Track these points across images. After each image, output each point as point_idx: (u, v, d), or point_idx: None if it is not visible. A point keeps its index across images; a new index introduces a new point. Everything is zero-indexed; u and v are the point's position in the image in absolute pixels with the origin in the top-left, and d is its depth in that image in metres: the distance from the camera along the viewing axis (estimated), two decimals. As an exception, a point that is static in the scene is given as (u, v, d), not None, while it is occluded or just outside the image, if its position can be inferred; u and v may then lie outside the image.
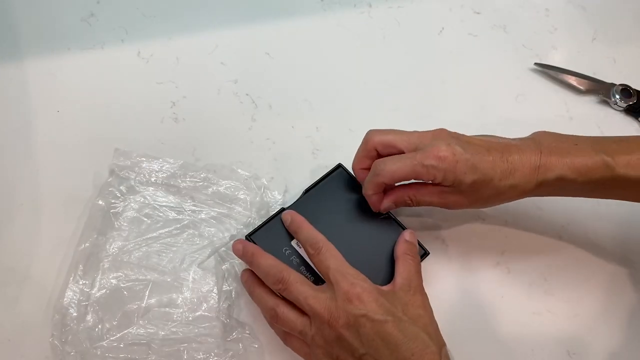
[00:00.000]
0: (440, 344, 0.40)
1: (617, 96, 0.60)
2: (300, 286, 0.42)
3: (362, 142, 0.46)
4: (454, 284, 0.51)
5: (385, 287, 0.43)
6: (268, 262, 0.43)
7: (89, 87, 0.58)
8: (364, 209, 0.48)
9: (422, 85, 0.61)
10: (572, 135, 0.45)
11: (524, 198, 0.45)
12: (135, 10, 0.62)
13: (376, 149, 0.45)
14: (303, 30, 0.63)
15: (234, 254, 0.46)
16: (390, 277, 0.45)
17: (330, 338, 0.40)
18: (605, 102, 0.61)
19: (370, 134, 0.46)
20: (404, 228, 0.48)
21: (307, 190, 0.49)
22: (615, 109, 0.60)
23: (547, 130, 0.46)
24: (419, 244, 0.47)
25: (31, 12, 0.61)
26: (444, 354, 0.39)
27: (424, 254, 0.47)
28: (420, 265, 0.45)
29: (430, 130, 0.45)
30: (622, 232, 0.54)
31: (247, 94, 0.59)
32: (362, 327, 0.39)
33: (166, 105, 0.57)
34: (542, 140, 0.44)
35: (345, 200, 0.48)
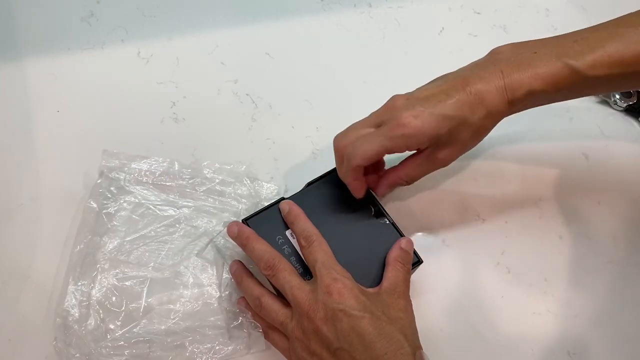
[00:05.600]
0: (416, 347, 0.40)
1: (617, 96, 0.60)
2: (288, 275, 0.42)
3: (335, 152, 0.46)
4: (454, 284, 0.51)
5: (370, 289, 0.44)
6: (262, 247, 0.44)
7: (89, 87, 0.58)
8: (363, 210, 0.48)
9: (422, 85, 0.61)
10: (531, 42, 0.44)
11: (504, 118, 0.44)
12: (135, 10, 0.62)
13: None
14: (303, 30, 0.63)
15: (231, 243, 0.47)
16: (379, 281, 0.45)
17: (308, 330, 0.41)
18: (605, 102, 0.61)
19: (335, 140, 0.45)
20: (402, 235, 0.48)
21: (309, 184, 0.49)
22: (616, 109, 0.60)
23: None
24: (415, 253, 0.47)
25: (31, 12, 0.61)
26: (419, 356, 0.39)
27: (417, 262, 0.47)
28: (410, 274, 0.45)
29: (384, 105, 0.44)
30: (623, 232, 0.54)
31: (247, 94, 0.59)
32: (339, 321, 0.39)
33: (166, 105, 0.57)
34: (499, 57, 0.43)
35: (347, 199, 0.48)
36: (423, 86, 0.44)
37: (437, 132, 0.41)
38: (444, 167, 0.46)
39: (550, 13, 0.66)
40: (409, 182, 0.47)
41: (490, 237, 0.53)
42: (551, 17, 0.66)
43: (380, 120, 0.43)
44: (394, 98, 0.44)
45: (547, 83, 0.41)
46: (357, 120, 0.45)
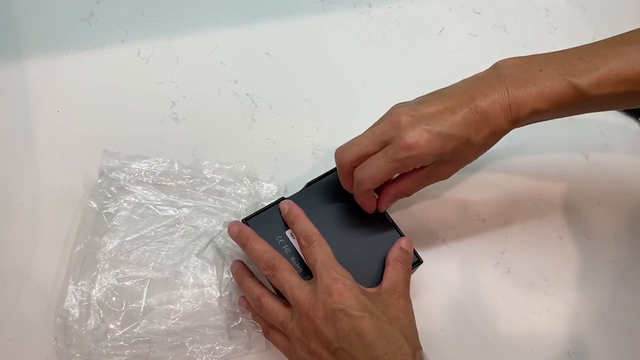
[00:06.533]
0: (416, 347, 0.40)
1: (617, 96, 0.60)
2: (288, 274, 0.42)
3: (337, 165, 0.46)
4: (454, 284, 0.51)
5: (370, 289, 0.44)
6: (262, 247, 0.44)
7: (89, 87, 0.58)
8: (363, 210, 0.48)
9: (422, 85, 0.60)
10: (536, 57, 0.44)
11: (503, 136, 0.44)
12: (135, 10, 0.62)
13: (352, 165, 0.45)
14: (303, 30, 0.63)
15: (231, 243, 0.47)
16: (379, 281, 0.45)
17: (307, 330, 0.41)
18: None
19: (338, 155, 0.45)
20: (402, 235, 0.48)
21: (309, 184, 0.49)
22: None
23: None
24: (415, 253, 0.47)
25: (31, 12, 0.61)
26: (418, 357, 0.39)
27: (417, 262, 0.47)
28: (410, 274, 0.45)
29: (387, 118, 0.43)
30: (623, 232, 0.54)
31: (247, 94, 0.59)
32: (339, 321, 0.39)
33: (166, 105, 0.57)
34: (504, 72, 0.42)
35: (347, 199, 0.48)
36: (426, 99, 0.43)
37: (442, 151, 0.41)
38: (443, 180, 0.46)
39: (550, 13, 0.66)
40: (408, 195, 0.47)
41: (490, 237, 0.53)
42: (551, 17, 0.66)
43: (385, 137, 0.42)
44: (398, 113, 0.42)
45: (552, 103, 0.41)
46: (360, 134, 0.44)
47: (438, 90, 0.44)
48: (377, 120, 0.45)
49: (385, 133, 0.42)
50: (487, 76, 0.43)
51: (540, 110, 0.41)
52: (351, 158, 0.44)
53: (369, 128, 0.45)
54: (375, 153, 0.43)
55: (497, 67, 0.43)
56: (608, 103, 0.43)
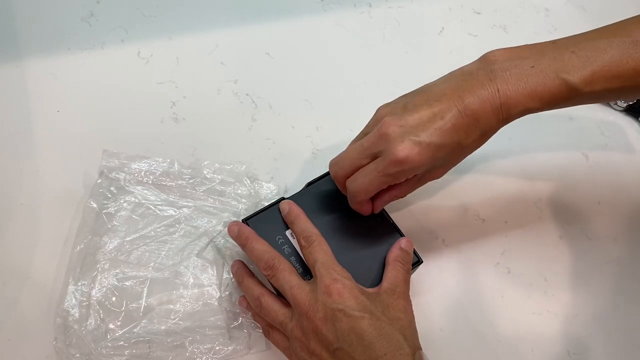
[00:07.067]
0: (415, 347, 0.40)
1: (617, 96, 0.60)
2: (288, 275, 0.42)
3: (333, 178, 0.46)
4: (454, 284, 0.51)
5: (370, 289, 0.44)
6: (262, 247, 0.44)
7: (89, 87, 0.58)
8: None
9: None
10: (526, 49, 0.42)
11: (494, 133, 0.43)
12: (135, 10, 0.62)
13: (346, 178, 0.45)
14: (303, 30, 0.63)
15: (231, 243, 0.47)
16: (379, 282, 0.45)
17: (307, 330, 0.41)
18: (606, 102, 0.61)
19: (332, 169, 0.45)
20: (402, 235, 0.48)
21: (309, 184, 0.49)
22: (615, 109, 0.61)
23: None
24: (415, 253, 0.47)
25: (31, 12, 0.61)
26: (418, 357, 0.39)
27: (417, 261, 0.47)
28: (409, 274, 0.45)
29: (374, 129, 0.42)
30: (623, 232, 0.54)
31: (247, 94, 0.59)
32: (339, 321, 0.39)
33: (166, 105, 0.57)
34: (494, 68, 0.41)
35: (346, 200, 0.48)
36: (414, 103, 0.42)
37: (433, 161, 0.41)
38: (436, 179, 0.46)
39: (550, 13, 0.66)
40: (403, 197, 0.47)
41: (490, 237, 0.53)
42: (551, 17, 0.66)
43: (374, 150, 0.42)
44: (386, 123, 0.41)
45: (544, 101, 0.40)
46: (350, 145, 0.45)
47: (426, 87, 0.43)
48: (366, 124, 0.45)
49: (375, 146, 0.42)
50: (475, 71, 0.42)
51: (532, 108, 0.41)
52: (344, 172, 0.44)
53: (358, 137, 0.45)
54: (366, 164, 0.43)
55: (486, 61, 0.42)
56: (601, 97, 0.43)
